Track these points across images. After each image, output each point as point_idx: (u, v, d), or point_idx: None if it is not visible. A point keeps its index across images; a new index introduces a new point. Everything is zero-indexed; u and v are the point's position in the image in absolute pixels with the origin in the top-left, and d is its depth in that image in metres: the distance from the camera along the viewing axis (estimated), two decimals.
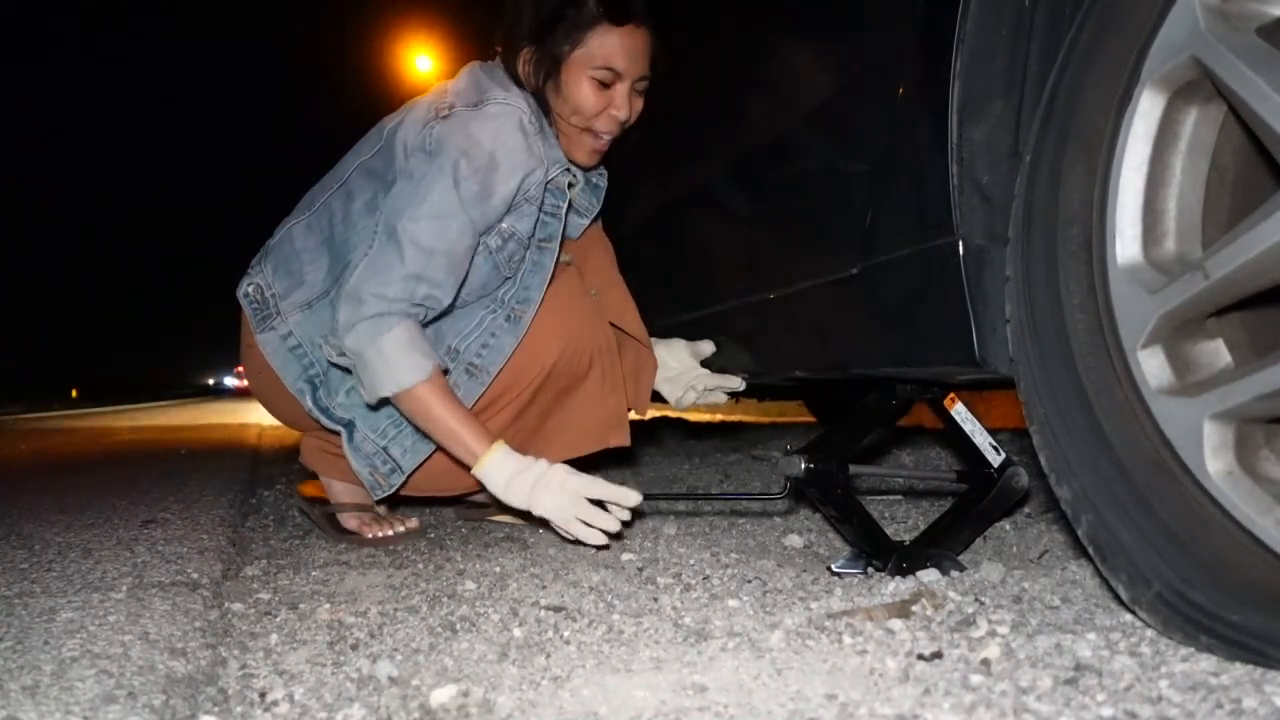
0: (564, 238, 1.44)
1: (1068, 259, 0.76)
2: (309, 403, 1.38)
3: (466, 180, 1.24)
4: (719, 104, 1.48)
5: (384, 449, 1.37)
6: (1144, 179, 0.70)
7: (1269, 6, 0.62)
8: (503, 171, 1.27)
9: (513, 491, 1.22)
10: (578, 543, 1.25)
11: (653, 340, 1.56)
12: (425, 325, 1.34)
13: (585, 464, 1.54)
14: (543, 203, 1.36)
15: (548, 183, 1.35)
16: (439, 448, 1.34)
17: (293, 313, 1.39)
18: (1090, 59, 0.73)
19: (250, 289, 1.42)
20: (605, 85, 1.31)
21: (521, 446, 1.48)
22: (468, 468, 1.26)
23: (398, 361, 1.21)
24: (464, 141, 1.25)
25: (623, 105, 1.33)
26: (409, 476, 1.40)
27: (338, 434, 1.38)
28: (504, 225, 1.33)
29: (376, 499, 1.43)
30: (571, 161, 1.38)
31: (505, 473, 1.23)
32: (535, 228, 1.37)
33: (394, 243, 1.23)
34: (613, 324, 1.51)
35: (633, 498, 1.22)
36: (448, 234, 1.24)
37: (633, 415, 1.56)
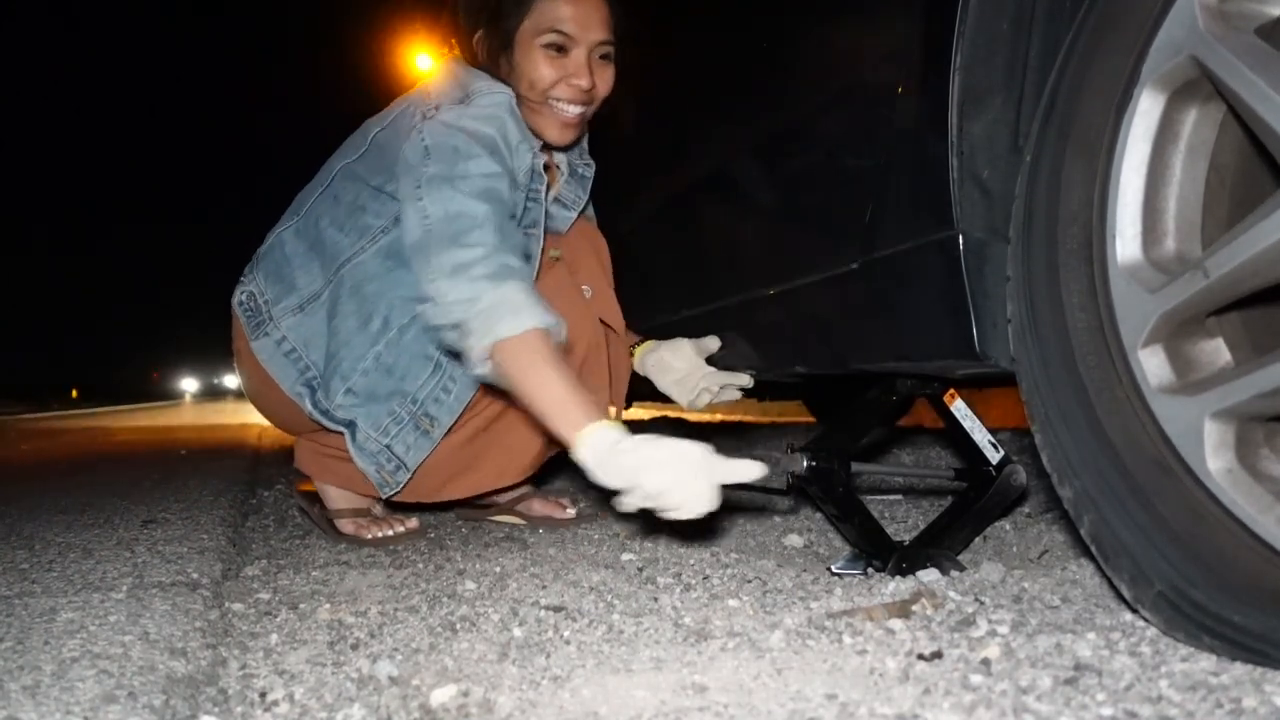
0: (550, 230, 1.43)
1: (1068, 259, 0.76)
2: (308, 405, 1.38)
3: (477, 167, 1.20)
4: (718, 99, 1.48)
5: (387, 446, 1.37)
6: (1144, 178, 0.70)
7: (1268, 6, 0.62)
8: (514, 151, 1.27)
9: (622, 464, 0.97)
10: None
11: (656, 342, 1.54)
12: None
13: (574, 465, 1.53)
14: (528, 188, 1.34)
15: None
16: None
17: (285, 317, 1.40)
18: (1090, 58, 0.73)
19: (244, 297, 1.44)
20: (560, 51, 1.28)
21: (502, 434, 1.46)
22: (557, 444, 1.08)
23: (524, 305, 1.08)
24: (461, 134, 1.22)
25: (582, 73, 1.29)
26: (414, 473, 1.40)
27: (340, 434, 1.38)
28: None
29: (385, 497, 1.42)
30: (545, 142, 1.36)
31: (619, 445, 0.98)
32: (521, 214, 1.34)
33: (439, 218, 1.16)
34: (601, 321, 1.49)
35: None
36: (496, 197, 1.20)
37: (611, 411, 1.54)
